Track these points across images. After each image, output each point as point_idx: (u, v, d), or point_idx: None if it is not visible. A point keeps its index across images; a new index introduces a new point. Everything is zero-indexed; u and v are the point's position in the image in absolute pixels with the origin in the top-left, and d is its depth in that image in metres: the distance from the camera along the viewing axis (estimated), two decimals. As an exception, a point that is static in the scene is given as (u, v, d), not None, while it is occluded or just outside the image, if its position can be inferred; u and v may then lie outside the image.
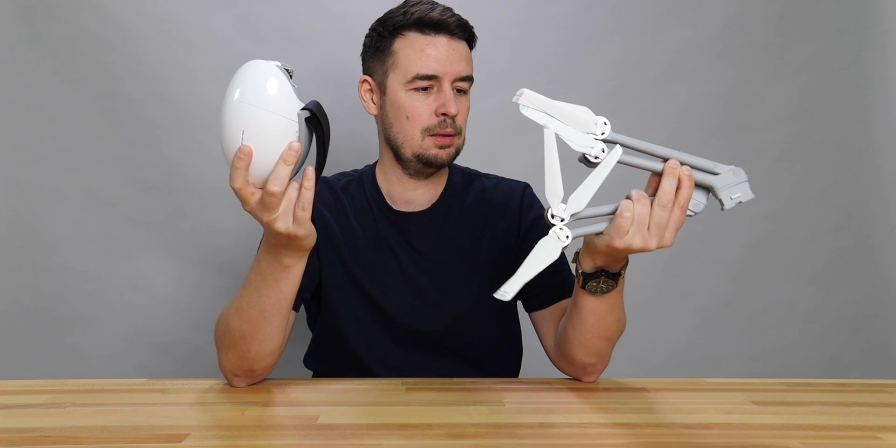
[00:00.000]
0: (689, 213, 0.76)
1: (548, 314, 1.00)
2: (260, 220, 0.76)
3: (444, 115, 0.94)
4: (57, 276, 1.43)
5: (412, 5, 0.96)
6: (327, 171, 1.10)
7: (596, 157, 0.74)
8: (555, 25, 1.49)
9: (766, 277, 1.59)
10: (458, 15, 0.97)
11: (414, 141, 0.96)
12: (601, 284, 0.82)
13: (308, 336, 1.10)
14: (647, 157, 0.76)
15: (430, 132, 0.95)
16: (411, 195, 1.03)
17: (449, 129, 0.95)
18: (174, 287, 1.46)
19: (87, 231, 1.43)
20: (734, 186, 0.77)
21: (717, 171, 0.76)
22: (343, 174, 1.09)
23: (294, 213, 0.75)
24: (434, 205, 1.04)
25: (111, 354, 1.45)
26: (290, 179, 0.75)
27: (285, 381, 0.90)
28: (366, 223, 1.03)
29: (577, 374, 0.93)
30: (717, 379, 0.94)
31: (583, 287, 0.82)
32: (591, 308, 0.85)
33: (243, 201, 0.75)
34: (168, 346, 1.46)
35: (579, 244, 0.83)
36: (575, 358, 0.90)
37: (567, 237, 0.74)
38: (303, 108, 0.74)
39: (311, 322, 1.09)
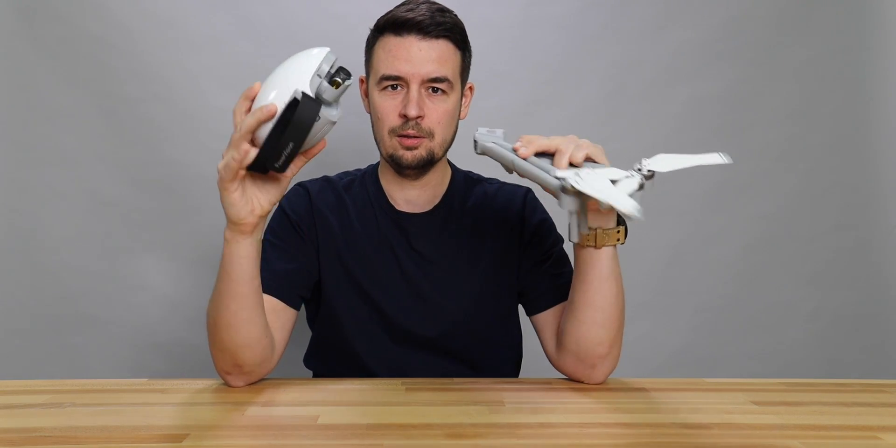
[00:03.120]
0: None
1: (550, 317, 0.99)
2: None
3: (405, 116, 0.94)
4: (57, 276, 1.43)
5: (399, 5, 0.96)
6: (331, 170, 1.11)
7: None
8: (555, 25, 1.49)
9: (766, 277, 1.58)
10: (437, 13, 0.94)
11: (384, 141, 0.97)
12: (621, 230, 0.86)
13: (308, 336, 1.10)
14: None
15: (395, 133, 0.95)
16: (408, 195, 1.03)
17: (411, 131, 0.94)
18: (174, 287, 1.46)
19: (87, 231, 1.43)
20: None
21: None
22: (346, 173, 1.09)
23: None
24: (436, 207, 1.04)
25: (111, 354, 1.45)
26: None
27: (285, 381, 0.90)
28: (367, 223, 1.03)
29: (584, 374, 0.91)
30: (717, 379, 0.94)
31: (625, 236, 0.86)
32: (616, 270, 0.87)
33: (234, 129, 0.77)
34: (168, 346, 1.46)
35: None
36: (588, 348, 0.88)
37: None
38: (302, 92, 0.74)
39: (311, 321, 1.09)
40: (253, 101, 0.77)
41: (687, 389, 0.88)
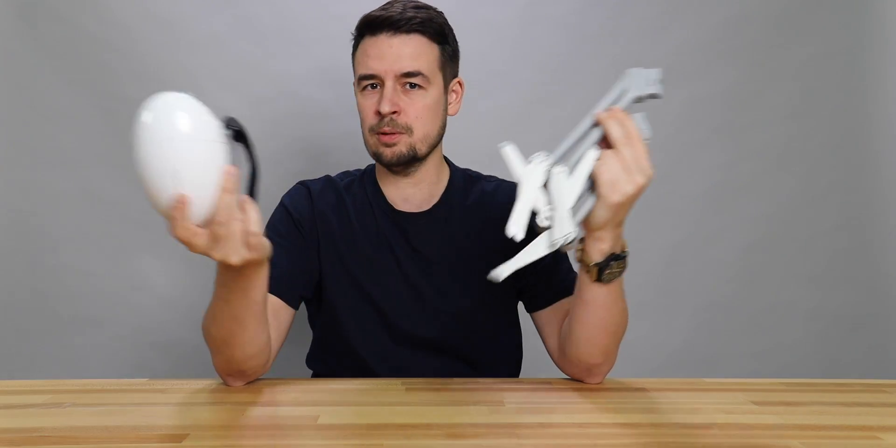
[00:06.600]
0: (645, 139, 0.79)
1: (551, 315, 0.99)
2: (213, 258, 0.71)
3: (379, 113, 0.94)
4: (57, 276, 1.43)
5: (378, 8, 0.97)
6: (332, 170, 1.11)
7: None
8: (555, 25, 1.49)
9: (766, 277, 1.58)
10: (409, 9, 0.94)
11: (367, 140, 0.99)
12: (614, 269, 0.81)
13: (309, 336, 1.10)
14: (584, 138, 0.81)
15: (374, 131, 0.96)
16: (404, 193, 1.03)
17: (386, 128, 0.95)
18: (174, 287, 1.46)
19: (87, 231, 1.43)
20: (643, 78, 0.84)
21: (622, 84, 0.83)
22: (346, 173, 1.09)
23: (247, 241, 0.70)
24: (435, 206, 1.04)
25: (111, 354, 1.45)
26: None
27: (285, 381, 0.90)
28: (367, 223, 1.03)
29: (581, 376, 0.92)
30: (717, 379, 0.93)
31: (598, 279, 0.81)
32: (601, 300, 0.84)
33: (190, 246, 0.69)
34: (167, 346, 1.46)
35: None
36: (581, 358, 0.89)
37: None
38: (227, 127, 0.69)
39: (312, 321, 1.08)
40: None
41: (687, 389, 0.88)
